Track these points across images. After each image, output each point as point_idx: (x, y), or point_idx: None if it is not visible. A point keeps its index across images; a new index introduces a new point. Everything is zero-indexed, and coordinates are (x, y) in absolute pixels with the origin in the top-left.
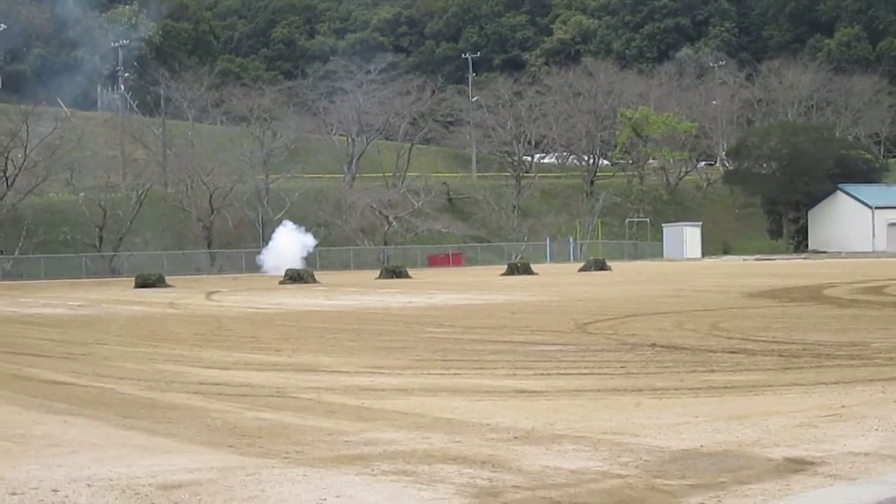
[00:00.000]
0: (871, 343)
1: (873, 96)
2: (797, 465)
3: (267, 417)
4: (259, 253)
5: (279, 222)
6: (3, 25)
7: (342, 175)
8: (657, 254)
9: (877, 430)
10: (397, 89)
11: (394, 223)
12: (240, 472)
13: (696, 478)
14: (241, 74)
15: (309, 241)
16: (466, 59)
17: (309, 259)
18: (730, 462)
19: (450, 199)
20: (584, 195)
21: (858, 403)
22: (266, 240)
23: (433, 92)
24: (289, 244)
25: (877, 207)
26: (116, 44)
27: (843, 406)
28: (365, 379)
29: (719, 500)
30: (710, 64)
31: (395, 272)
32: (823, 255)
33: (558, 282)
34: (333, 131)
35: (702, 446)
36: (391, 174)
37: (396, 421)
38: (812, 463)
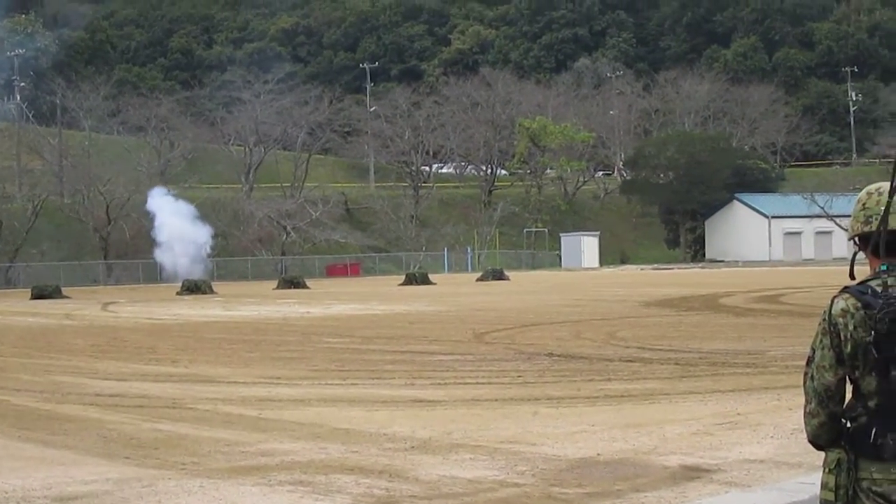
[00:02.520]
0: (767, 351)
1: (769, 106)
2: (693, 473)
3: (164, 429)
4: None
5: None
6: None
7: (240, 185)
8: (555, 263)
9: (772, 437)
10: (295, 99)
11: (292, 233)
12: (136, 484)
13: (592, 486)
14: (138, 84)
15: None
16: (364, 68)
17: (206, 268)
18: (626, 470)
19: (348, 210)
20: (482, 205)
21: (754, 411)
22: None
23: (331, 102)
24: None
25: (773, 217)
26: (12, 53)
27: (738, 414)
28: (262, 390)
29: None
30: (608, 74)
31: (292, 283)
32: (720, 264)
33: (456, 292)
34: (231, 141)
35: (598, 454)
36: (289, 184)
37: (294, 431)
38: (708, 470)
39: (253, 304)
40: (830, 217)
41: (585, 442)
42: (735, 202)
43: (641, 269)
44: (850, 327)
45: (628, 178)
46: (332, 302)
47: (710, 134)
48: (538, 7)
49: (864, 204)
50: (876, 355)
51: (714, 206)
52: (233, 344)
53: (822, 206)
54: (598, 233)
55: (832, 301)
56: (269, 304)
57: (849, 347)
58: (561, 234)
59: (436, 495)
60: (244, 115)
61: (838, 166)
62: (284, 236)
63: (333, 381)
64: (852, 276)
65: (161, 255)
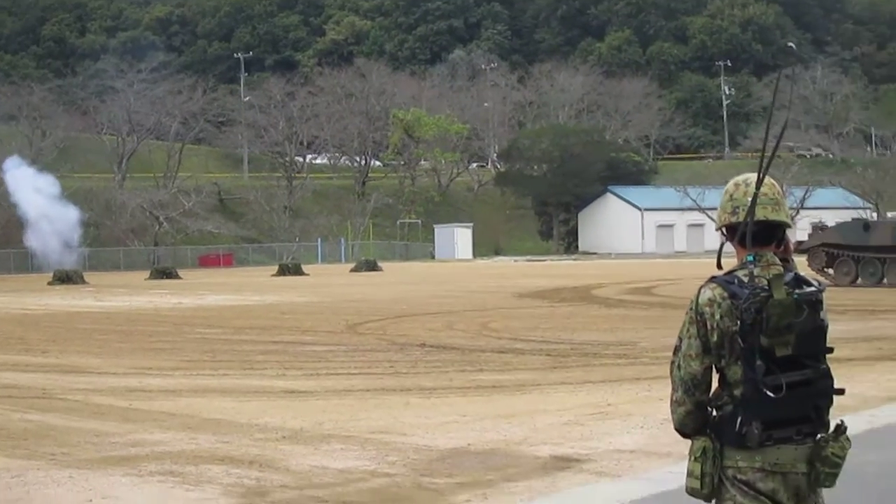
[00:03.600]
0: (638, 342)
1: (643, 99)
2: (563, 463)
3: (33, 419)
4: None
5: None
6: None
7: (112, 175)
8: (428, 255)
9: (642, 427)
10: (168, 88)
11: (164, 224)
12: (5, 475)
13: (463, 476)
14: (9, 72)
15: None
16: (239, 58)
17: (78, 259)
18: (497, 460)
19: (221, 200)
20: (356, 196)
21: (625, 402)
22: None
23: (205, 91)
24: (41, 202)
25: (646, 209)
26: None
27: (609, 404)
28: (133, 380)
29: (486, 498)
30: (483, 66)
31: (165, 273)
32: (593, 256)
33: (329, 283)
34: (104, 130)
35: (469, 445)
36: (162, 174)
37: (164, 422)
38: (578, 460)
39: (125, 295)
40: (703, 210)
41: (457, 432)
42: (608, 195)
43: (515, 261)
44: (717, 317)
45: (502, 169)
46: (204, 293)
47: (583, 126)
48: None
49: (731, 195)
50: (742, 344)
51: (587, 199)
52: (104, 334)
53: (694, 198)
54: (471, 224)
55: (699, 290)
56: (142, 294)
57: (715, 336)
58: (435, 226)
59: (306, 485)
60: (117, 105)
61: (711, 160)
62: (157, 227)
63: (205, 372)
64: (720, 266)
65: (32, 240)
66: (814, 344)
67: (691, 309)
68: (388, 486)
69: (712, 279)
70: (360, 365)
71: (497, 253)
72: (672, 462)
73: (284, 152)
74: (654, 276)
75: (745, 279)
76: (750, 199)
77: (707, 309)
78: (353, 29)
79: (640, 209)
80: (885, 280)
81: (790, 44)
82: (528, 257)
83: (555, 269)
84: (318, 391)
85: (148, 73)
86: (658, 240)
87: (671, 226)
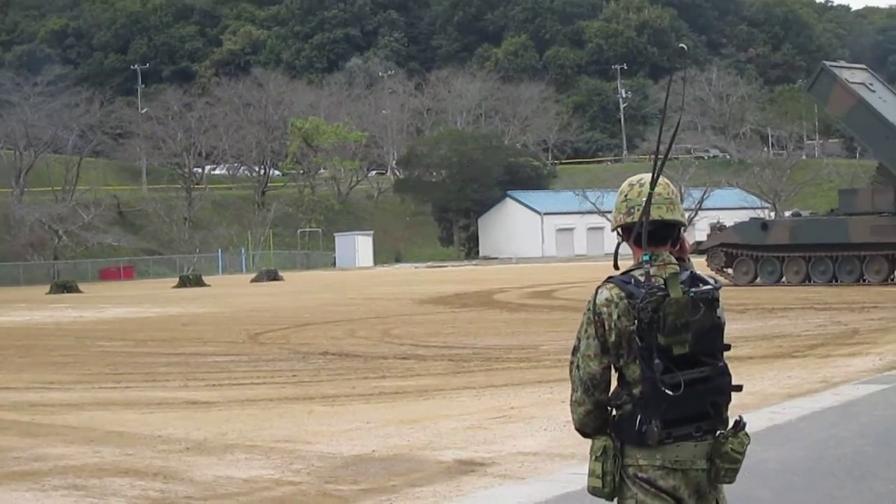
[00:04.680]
0: (540, 346)
1: (541, 104)
2: (467, 467)
3: None
4: None
5: None
6: None
7: (10, 189)
8: (329, 263)
9: (545, 430)
10: (65, 101)
11: (64, 237)
12: None
13: (368, 482)
14: None
15: None
16: (135, 70)
17: None
18: (401, 466)
19: (120, 213)
20: (256, 206)
21: (527, 405)
22: None
23: (102, 104)
24: None
25: (545, 213)
26: None
27: (512, 408)
28: (34, 395)
29: (391, 503)
30: (380, 73)
31: (65, 287)
32: (494, 261)
33: (230, 293)
34: (0, 145)
35: (374, 451)
36: (60, 188)
37: (67, 436)
38: (482, 464)
39: (25, 310)
40: (602, 213)
41: (360, 439)
42: (508, 199)
43: (416, 268)
44: (614, 316)
45: (401, 177)
46: (105, 305)
47: (482, 132)
48: (309, 7)
49: (626, 195)
50: (639, 343)
51: (487, 204)
52: (4, 350)
53: (593, 202)
54: (371, 232)
55: (596, 291)
56: (42, 309)
57: (613, 336)
58: (335, 234)
59: (211, 496)
60: (13, 118)
61: (609, 162)
62: (56, 240)
63: (107, 385)
64: (616, 267)
65: None
66: (711, 341)
67: (589, 310)
68: (294, 495)
69: (609, 279)
70: (262, 374)
71: (398, 260)
72: (576, 463)
73: (183, 163)
74: (555, 280)
75: (642, 279)
76: (644, 199)
77: (604, 309)
78: (249, 38)
79: (539, 213)
80: (783, 279)
81: (682, 45)
82: (429, 263)
83: (456, 275)
84: (220, 402)
85: (44, 87)
86: (558, 243)
87: (571, 229)
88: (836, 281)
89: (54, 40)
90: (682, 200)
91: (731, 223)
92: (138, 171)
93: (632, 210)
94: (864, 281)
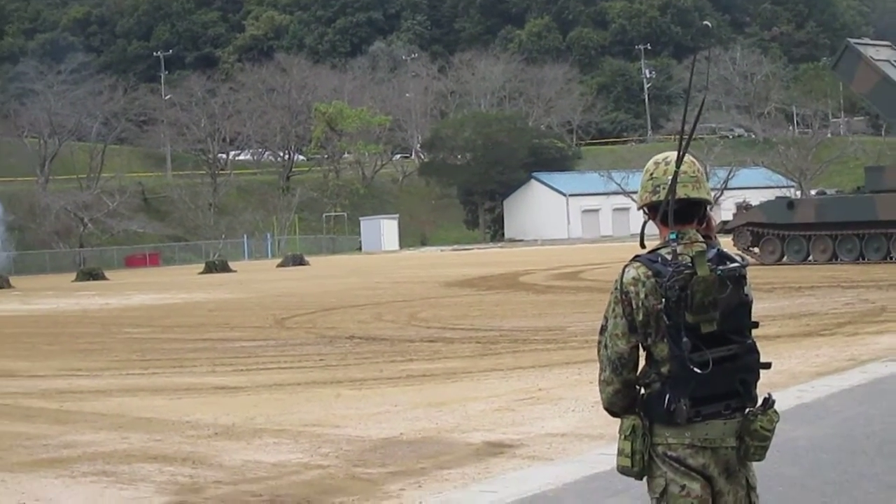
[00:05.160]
0: (567, 327)
1: (564, 85)
2: (496, 448)
3: None
4: None
5: None
6: None
7: (35, 178)
8: (355, 247)
9: (573, 411)
10: (89, 89)
11: (89, 225)
12: None
13: (396, 465)
14: None
15: None
16: (158, 57)
17: (4, 263)
18: (430, 448)
19: (145, 199)
20: (281, 191)
21: (555, 386)
22: None
23: (125, 91)
24: None
25: (571, 195)
26: None
27: (540, 389)
28: (63, 382)
29: (419, 486)
30: (403, 57)
31: (91, 274)
32: (520, 243)
33: (256, 278)
34: (25, 133)
35: (401, 434)
36: (85, 175)
37: (96, 422)
38: (511, 445)
39: (52, 297)
40: (627, 193)
41: (388, 422)
42: (533, 181)
43: (441, 251)
44: (642, 295)
45: (426, 160)
46: (131, 292)
47: (506, 114)
48: None
49: (651, 174)
50: (667, 322)
51: (512, 186)
52: (32, 337)
53: (618, 182)
54: (397, 216)
55: (623, 270)
56: (69, 296)
57: (640, 315)
58: (360, 218)
59: (240, 480)
60: (38, 107)
61: (634, 143)
62: (82, 228)
63: (135, 371)
64: (643, 245)
65: None
66: (739, 319)
67: (616, 289)
68: (322, 478)
69: (636, 258)
70: (289, 359)
71: (424, 243)
72: (604, 444)
73: (207, 150)
74: (581, 261)
75: (669, 257)
76: (670, 177)
77: (632, 288)
78: (272, 24)
79: (564, 195)
80: (810, 257)
81: (706, 23)
82: (455, 246)
83: (482, 258)
84: (248, 386)
85: (68, 75)
86: (584, 225)
87: (596, 210)
88: (864, 259)
89: (77, 28)
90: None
91: (757, 202)
92: (163, 157)
93: (658, 188)
94: (892, 258)
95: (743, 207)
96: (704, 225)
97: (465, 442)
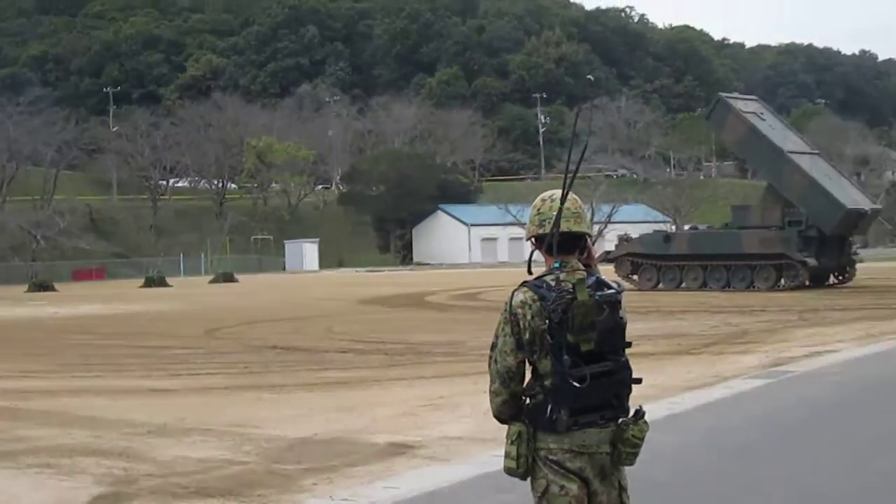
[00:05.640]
0: (466, 342)
1: (469, 127)
2: (399, 449)
3: None
4: None
5: None
6: None
7: None
8: (279, 267)
9: (469, 417)
10: (44, 120)
11: (42, 241)
12: None
13: (310, 462)
14: None
15: None
16: (108, 92)
17: None
18: (340, 448)
19: (92, 220)
20: (215, 215)
21: (453, 394)
22: None
23: (77, 122)
24: None
25: (472, 224)
26: None
27: (440, 397)
28: (14, 382)
29: (330, 481)
30: (326, 99)
31: (42, 286)
32: (426, 266)
33: (190, 293)
34: None
35: (315, 434)
36: (39, 197)
37: (43, 420)
38: (412, 447)
39: (6, 306)
40: (522, 225)
41: (304, 424)
42: (439, 212)
43: (356, 272)
44: (528, 317)
45: (345, 191)
46: (78, 303)
47: (416, 152)
48: (264, 38)
49: (538, 209)
50: (550, 341)
51: (420, 216)
52: None
53: (514, 215)
54: (317, 240)
55: (512, 294)
56: (21, 305)
57: (527, 334)
58: (285, 241)
59: (170, 473)
60: None
61: (529, 180)
62: (35, 244)
63: (79, 374)
64: (530, 272)
65: None
66: (614, 339)
67: (505, 310)
68: (244, 473)
69: (524, 284)
70: (217, 366)
71: (341, 265)
72: (495, 447)
73: (149, 176)
74: (480, 284)
75: (553, 283)
76: (555, 213)
77: (520, 310)
78: (210, 66)
79: (467, 224)
80: (683, 284)
81: (589, 76)
82: (369, 268)
83: (392, 279)
84: (179, 390)
85: (26, 106)
86: (483, 251)
87: (495, 239)
88: (730, 287)
89: (35, 65)
90: (592, 215)
91: (637, 235)
92: (109, 183)
93: (544, 222)
94: (754, 287)
95: (624, 239)
96: (585, 255)
97: (371, 443)
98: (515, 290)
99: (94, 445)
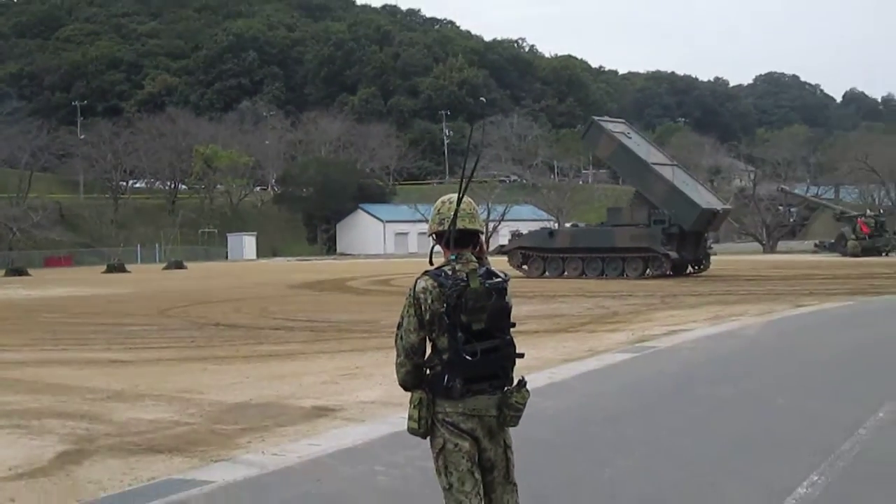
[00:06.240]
0: (380, 321)
1: (385, 139)
2: (322, 412)
3: None
4: None
5: None
6: None
7: None
8: (223, 256)
9: (381, 384)
10: (20, 129)
11: (17, 233)
12: None
13: (246, 423)
14: None
15: None
16: (76, 106)
17: None
18: (272, 410)
19: (62, 215)
20: (168, 212)
21: (369, 365)
22: None
23: (49, 131)
24: None
25: (387, 221)
26: None
27: (357, 367)
28: None
29: (263, 440)
30: (264, 113)
31: (17, 271)
32: (348, 256)
33: (146, 278)
34: None
35: (251, 399)
36: (15, 195)
37: (14, 387)
38: (333, 409)
39: None
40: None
41: (241, 390)
42: (359, 210)
43: (288, 261)
44: (429, 301)
45: (279, 192)
46: (49, 286)
47: (341, 159)
48: (211, 61)
49: (438, 210)
50: (447, 321)
51: (343, 213)
52: None
53: (422, 213)
54: (255, 233)
55: (416, 281)
56: None
57: (428, 315)
58: (227, 234)
59: (125, 433)
60: None
61: (435, 184)
62: (11, 235)
63: (47, 348)
64: (431, 263)
65: None
66: (501, 320)
67: (410, 295)
68: (189, 433)
69: (426, 273)
70: (168, 340)
71: (275, 254)
72: (403, 410)
73: (111, 178)
74: (393, 272)
75: (450, 273)
76: (452, 213)
77: (422, 295)
78: (165, 84)
79: (382, 221)
80: (565, 273)
81: (482, 98)
82: (299, 258)
83: (318, 267)
84: (135, 361)
85: (3, 117)
86: (396, 244)
87: (406, 234)
88: (604, 275)
89: (12, 81)
90: (488, 214)
91: (526, 232)
92: (77, 183)
93: (443, 221)
94: (625, 276)
95: (516, 235)
96: (478, 249)
97: (298, 406)
98: (418, 278)
99: (60, 409)
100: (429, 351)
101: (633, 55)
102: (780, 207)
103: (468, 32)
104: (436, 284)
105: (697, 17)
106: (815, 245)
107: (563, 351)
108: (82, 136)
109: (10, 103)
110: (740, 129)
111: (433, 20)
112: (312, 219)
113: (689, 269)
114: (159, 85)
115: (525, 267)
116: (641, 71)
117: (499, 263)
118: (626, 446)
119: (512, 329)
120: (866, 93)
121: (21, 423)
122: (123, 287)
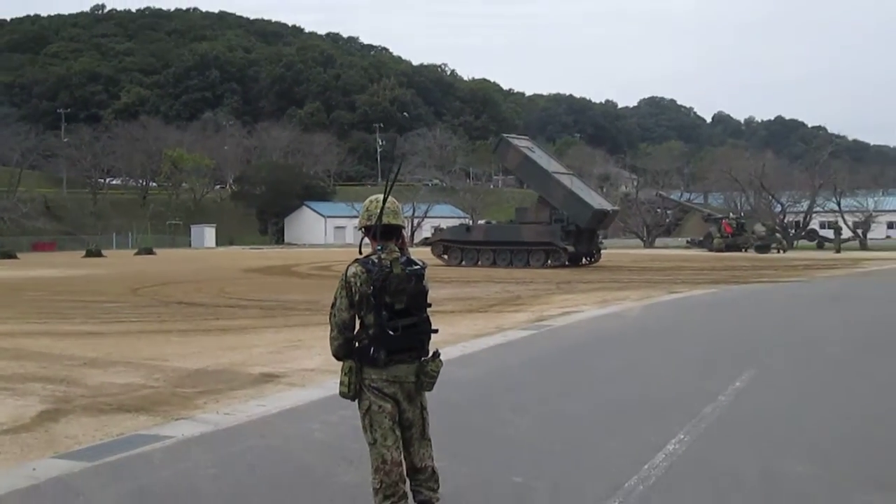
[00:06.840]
0: (321, 301)
1: (327, 147)
2: (268, 378)
3: None
4: None
5: None
6: None
7: None
8: (187, 244)
9: (320, 355)
10: (12, 132)
11: (8, 222)
12: None
13: (203, 386)
14: None
15: None
16: (61, 113)
17: None
18: (225, 376)
19: (47, 207)
20: (140, 206)
21: (310, 338)
22: None
23: (36, 134)
24: None
25: (328, 216)
26: None
27: (300, 340)
28: None
29: (217, 401)
30: (224, 123)
31: (7, 255)
32: (294, 246)
33: (120, 262)
34: None
35: (207, 366)
36: (6, 189)
37: (1, 355)
38: (278, 376)
39: None
40: None
41: (200, 359)
42: (304, 207)
43: (243, 249)
44: (359, 284)
45: (236, 190)
46: (35, 268)
47: (289, 164)
48: (179, 77)
49: (367, 207)
50: (374, 301)
51: (291, 209)
52: None
53: (357, 210)
54: (215, 225)
55: (347, 267)
56: None
57: (357, 297)
58: (191, 225)
59: (98, 395)
60: None
61: (369, 185)
62: (2, 224)
63: (32, 321)
64: (360, 252)
65: None
66: (419, 301)
67: (342, 279)
68: (154, 394)
69: (356, 260)
70: (137, 315)
71: (231, 243)
72: (337, 377)
73: (91, 176)
74: (332, 259)
75: (376, 261)
76: (379, 210)
77: (352, 279)
78: (138, 96)
79: (324, 216)
80: (479, 262)
81: (405, 113)
82: (252, 246)
83: (268, 255)
84: (108, 332)
85: None
86: (335, 236)
87: (344, 227)
88: (512, 265)
89: (5, 90)
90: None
91: (446, 227)
92: (61, 179)
93: (371, 217)
94: (529, 265)
95: (438, 230)
96: (400, 241)
97: (248, 373)
98: (350, 264)
99: (41, 374)
100: (358, 326)
101: (538, 79)
102: (658, 210)
103: (399, 57)
104: (364, 270)
105: (592, 48)
106: (687, 242)
107: (475, 328)
108: (66, 140)
109: (3, 110)
110: (626, 143)
111: (370, 46)
112: (264, 213)
113: (584, 260)
114: (134, 96)
115: (445, 256)
116: (545, 93)
117: (423, 254)
118: (525, 408)
119: (428, 309)
120: (731, 115)
121: (7, 387)
122: (100, 269)
